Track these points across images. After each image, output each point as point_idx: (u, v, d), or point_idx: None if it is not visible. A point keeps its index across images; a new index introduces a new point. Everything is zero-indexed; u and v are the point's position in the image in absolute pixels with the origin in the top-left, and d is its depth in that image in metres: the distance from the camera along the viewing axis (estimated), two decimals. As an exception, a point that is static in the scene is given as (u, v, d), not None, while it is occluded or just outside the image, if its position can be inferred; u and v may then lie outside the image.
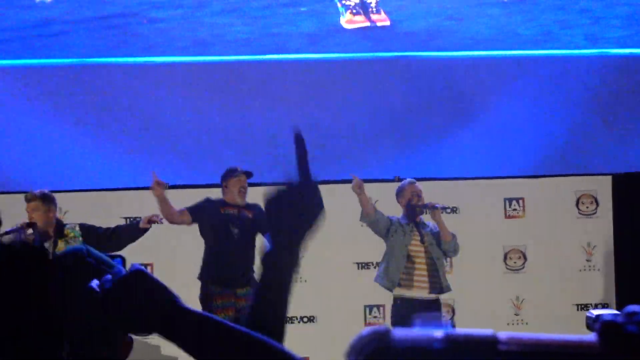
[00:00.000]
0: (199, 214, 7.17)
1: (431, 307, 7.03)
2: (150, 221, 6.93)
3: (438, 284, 7.14)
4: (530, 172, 8.84)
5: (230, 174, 7.22)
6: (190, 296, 7.67)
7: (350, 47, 8.49)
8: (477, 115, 9.15)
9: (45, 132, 8.68)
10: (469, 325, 8.31)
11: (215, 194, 7.49)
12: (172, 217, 7.09)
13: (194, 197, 8.33)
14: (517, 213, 8.65)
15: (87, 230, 6.84)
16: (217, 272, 7.06)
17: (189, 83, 9.02)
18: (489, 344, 0.56)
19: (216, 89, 8.98)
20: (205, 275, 7.13)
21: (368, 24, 8.80)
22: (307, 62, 8.77)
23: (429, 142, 9.10)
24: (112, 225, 7.08)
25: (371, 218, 7.26)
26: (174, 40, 8.76)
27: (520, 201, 8.65)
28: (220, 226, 7.10)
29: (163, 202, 7.01)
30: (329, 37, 8.69)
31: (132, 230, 7.01)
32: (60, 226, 6.78)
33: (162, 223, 7.25)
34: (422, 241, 7.15)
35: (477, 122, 9.17)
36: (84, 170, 8.69)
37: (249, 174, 7.21)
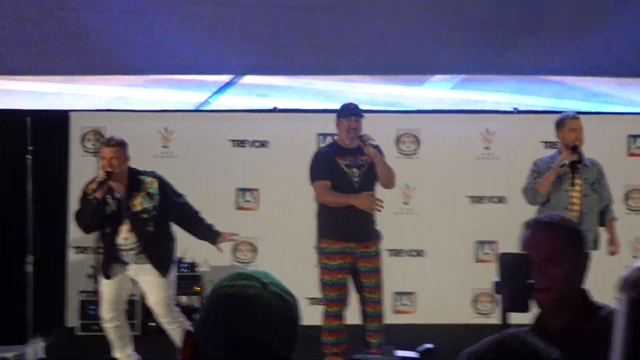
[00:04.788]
0: (328, 173, 6.48)
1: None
2: (228, 239, 6.51)
3: None
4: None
5: (340, 113, 6.56)
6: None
7: None
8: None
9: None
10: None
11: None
12: (328, 197, 6.45)
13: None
14: (642, 151, 8.06)
15: (164, 193, 6.25)
16: (333, 227, 6.41)
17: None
18: None
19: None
20: (322, 234, 6.49)
21: None
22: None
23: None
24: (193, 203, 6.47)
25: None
26: None
27: (646, 138, 8.03)
28: (339, 177, 6.46)
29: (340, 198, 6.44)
30: None
31: (206, 234, 6.45)
32: (134, 175, 6.21)
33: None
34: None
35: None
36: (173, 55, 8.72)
37: (359, 115, 6.48)
